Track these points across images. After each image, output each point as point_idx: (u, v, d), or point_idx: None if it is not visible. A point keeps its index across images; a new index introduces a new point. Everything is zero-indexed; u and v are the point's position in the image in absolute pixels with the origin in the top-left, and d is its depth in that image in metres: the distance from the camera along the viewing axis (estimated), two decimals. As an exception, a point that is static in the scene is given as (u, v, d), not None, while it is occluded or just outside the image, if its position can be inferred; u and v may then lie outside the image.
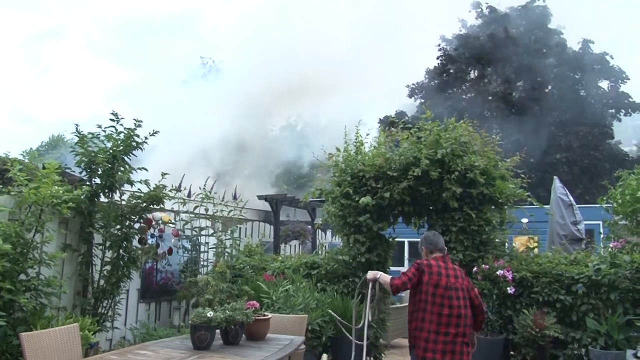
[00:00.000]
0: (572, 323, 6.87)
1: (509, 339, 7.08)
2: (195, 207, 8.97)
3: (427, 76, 28.81)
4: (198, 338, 4.53)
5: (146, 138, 7.05)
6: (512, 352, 7.19)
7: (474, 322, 4.57)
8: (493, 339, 6.95)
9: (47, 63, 59.59)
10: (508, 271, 7.00)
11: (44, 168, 5.86)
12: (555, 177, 9.95)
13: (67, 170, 6.77)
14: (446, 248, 5.00)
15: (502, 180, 7.66)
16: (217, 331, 4.73)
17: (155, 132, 7.08)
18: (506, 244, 8.49)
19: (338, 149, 8.57)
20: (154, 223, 7.40)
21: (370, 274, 4.98)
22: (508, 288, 6.95)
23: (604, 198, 7.68)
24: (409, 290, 4.61)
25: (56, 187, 5.70)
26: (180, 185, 8.75)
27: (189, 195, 9.11)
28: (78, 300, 6.75)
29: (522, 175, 7.78)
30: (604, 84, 26.83)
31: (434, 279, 4.42)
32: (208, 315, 4.58)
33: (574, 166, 23.81)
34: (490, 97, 25.87)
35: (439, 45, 28.83)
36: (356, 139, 8.59)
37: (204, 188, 9.09)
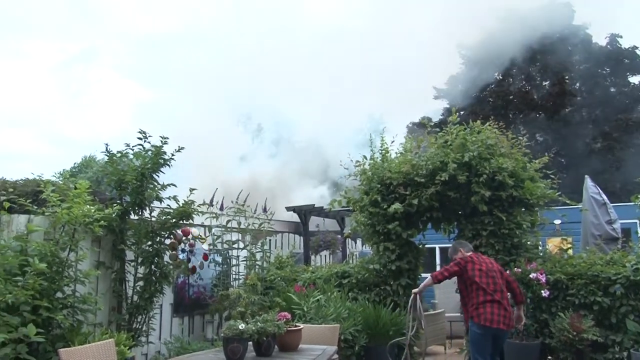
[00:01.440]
0: (611, 325, 6.68)
1: (546, 343, 6.93)
2: (228, 222, 9.02)
3: (450, 83, 28.61)
4: (231, 350, 4.54)
5: (173, 155, 7.14)
6: (549, 357, 7.04)
7: (515, 295, 5.96)
8: (529, 343, 6.82)
9: (78, 86, 61.26)
10: (541, 274, 6.87)
11: (75, 188, 5.98)
12: (586, 176, 9.74)
13: (98, 190, 6.89)
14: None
15: (531, 181, 7.55)
16: (250, 343, 4.74)
17: (181, 149, 7.16)
18: (539, 247, 8.35)
19: (365, 157, 8.58)
20: (184, 238, 7.47)
21: (415, 291, 6.46)
22: (542, 291, 6.82)
23: (639, 196, 7.51)
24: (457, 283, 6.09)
25: (88, 207, 5.82)
26: (212, 200, 8.82)
27: (221, 208, 9.18)
28: (113, 316, 6.85)
29: (552, 176, 7.66)
30: (636, 79, 26.28)
31: (477, 266, 5.85)
32: (240, 327, 4.59)
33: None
34: (513, 98, 25.57)
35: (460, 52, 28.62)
36: (382, 146, 8.58)
37: (236, 202, 9.15)
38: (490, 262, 6.01)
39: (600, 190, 9.49)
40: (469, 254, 6.06)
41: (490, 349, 5.71)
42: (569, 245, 8.17)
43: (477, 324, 5.65)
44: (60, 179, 6.30)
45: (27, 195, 6.06)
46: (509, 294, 5.88)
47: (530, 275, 6.89)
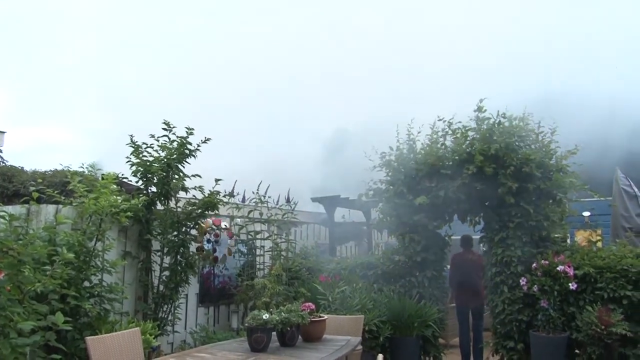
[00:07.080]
0: (641, 320, 6.51)
1: (572, 337, 6.80)
2: (250, 212, 9.05)
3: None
4: (255, 340, 4.57)
5: (198, 145, 7.18)
6: (576, 351, 6.91)
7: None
8: (556, 337, 6.70)
9: (109, 77, 62.00)
10: (569, 267, 6.72)
11: (102, 179, 6.06)
12: (617, 167, 9.50)
13: (124, 180, 6.98)
14: (472, 243, 8.74)
15: (559, 173, 7.40)
16: (274, 333, 4.76)
17: (207, 140, 7.19)
18: (568, 240, 8.18)
19: (391, 148, 8.48)
20: (208, 228, 7.52)
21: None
22: (570, 284, 6.67)
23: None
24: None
25: (114, 197, 5.89)
26: (233, 191, 8.85)
27: (243, 200, 9.21)
28: (139, 305, 6.95)
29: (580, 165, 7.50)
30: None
31: (457, 263, 8.62)
32: (264, 317, 4.61)
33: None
34: None
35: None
36: (408, 137, 8.47)
37: (257, 192, 9.16)
38: (472, 258, 8.56)
39: (632, 183, 9.26)
40: (462, 249, 8.69)
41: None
42: (598, 238, 8.00)
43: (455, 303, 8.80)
44: (87, 170, 6.37)
45: (56, 186, 6.16)
46: None
47: (558, 268, 6.75)
